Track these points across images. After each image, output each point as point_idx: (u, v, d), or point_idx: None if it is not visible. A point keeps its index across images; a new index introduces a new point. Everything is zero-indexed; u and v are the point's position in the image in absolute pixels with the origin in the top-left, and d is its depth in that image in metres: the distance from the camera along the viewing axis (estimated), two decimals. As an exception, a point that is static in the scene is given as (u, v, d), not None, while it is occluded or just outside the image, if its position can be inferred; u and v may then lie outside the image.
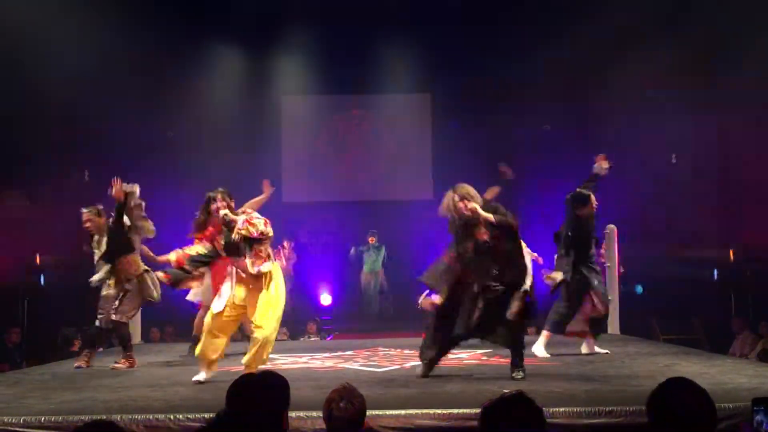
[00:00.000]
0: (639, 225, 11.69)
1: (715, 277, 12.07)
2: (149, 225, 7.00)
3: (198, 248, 5.87)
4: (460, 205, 5.55)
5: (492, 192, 6.22)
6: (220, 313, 5.68)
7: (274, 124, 14.71)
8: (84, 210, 6.88)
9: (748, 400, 2.77)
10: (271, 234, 5.74)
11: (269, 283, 5.74)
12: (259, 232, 5.67)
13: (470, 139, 13.40)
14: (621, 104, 12.03)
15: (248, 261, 5.67)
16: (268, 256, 5.78)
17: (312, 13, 13.49)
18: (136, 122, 12.39)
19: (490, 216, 5.48)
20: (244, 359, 5.64)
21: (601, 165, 6.96)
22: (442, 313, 5.64)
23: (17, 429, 4.26)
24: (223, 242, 5.77)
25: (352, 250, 13.83)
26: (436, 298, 5.64)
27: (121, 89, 11.77)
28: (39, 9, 10.54)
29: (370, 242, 13.66)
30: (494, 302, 5.49)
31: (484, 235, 5.54)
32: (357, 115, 15.19)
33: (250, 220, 5.71)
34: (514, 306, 5.47)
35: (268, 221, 5.75)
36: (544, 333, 6.92)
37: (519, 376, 5.48)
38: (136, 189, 6.92)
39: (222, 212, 5.71)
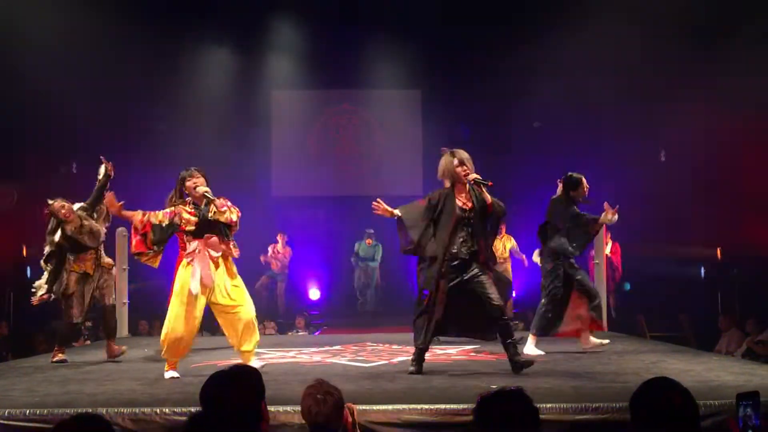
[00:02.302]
0: (626, 223, 11.72)
1: (702, 275, 12.14)
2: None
3: (161, 217, 5.69)
4: (459, 170, 5.56)
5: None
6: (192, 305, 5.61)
7: (264, 118, 14.69)
8: (51, 201, 6.80)
9: (734, 397, 2.78)
10: (238, 226, 5.76)
11: (234, 270, 5.80)
12: (236, 219, 5.69)
13: (460, 136, 13.41)
14: (611, 101, 12.06)
15: (231, 244, 5.75)
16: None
17: (302, 8, 13.48)
18: (125, 115, 12.34)
19: (488, 196, 5.54)
20: (245, 347, 5.69)
21: (608, 216, 6.79)
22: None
23: (2, 422, 4.23)
24: (195, 219, 5.65)
25: (353, 260, 13.83)
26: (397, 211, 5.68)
27: (110, 83, 11.71)
28: (27, 1, 10.48)
29: (368, 244, 13.67)
30: (462, 285, 5.54)
31: (467, 203, 5.58)
32: (347, 110, 15.18)
33: (230, 205, 5.71)
34: (494, 296, 5.50)
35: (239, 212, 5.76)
36: (531, 335, 6.87)
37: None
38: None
39: (201, 189, 5.62)
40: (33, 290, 6.77)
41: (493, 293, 5.52)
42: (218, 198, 5.70)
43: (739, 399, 2.73)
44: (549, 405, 4.21)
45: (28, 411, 4.30)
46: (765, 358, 8.27)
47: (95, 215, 6.91)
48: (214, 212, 5.64)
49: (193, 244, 5.66)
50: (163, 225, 5.69)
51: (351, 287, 14.11)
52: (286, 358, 6.96)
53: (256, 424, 2.74)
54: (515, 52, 12.40)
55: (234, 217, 5.68)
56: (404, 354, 7.00)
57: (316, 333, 11.69)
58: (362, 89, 14.83)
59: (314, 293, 14.16)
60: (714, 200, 10.89)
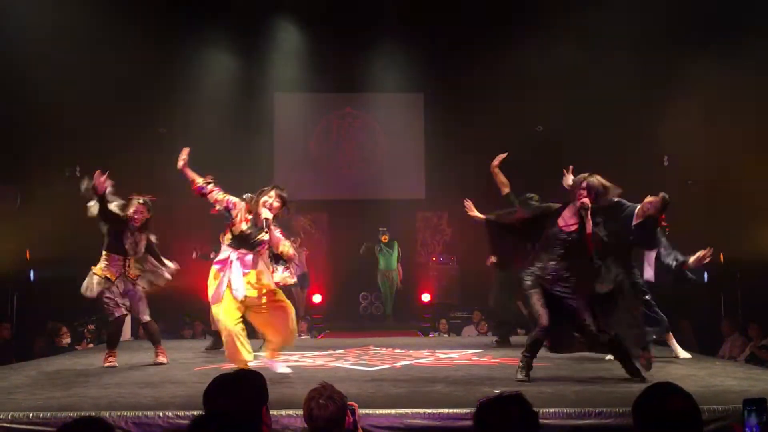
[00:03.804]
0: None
1: (705, 279, 12.10)
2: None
3: (221, 197, 5.69)
4: (579, 193, 5.51)
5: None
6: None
7: (266, 121, 14.69)
8: (139, 200, 6.78)
9: (738, 402, 2.78)
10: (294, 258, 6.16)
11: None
12: (288, 254, 5.85)
13: (462, 139, 13.42)
14: (614, 105, 12.04)
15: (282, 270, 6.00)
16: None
17: (305, 12, 13.50)
18: (128, 119, 12.34)
19: (590, 227, 5.44)
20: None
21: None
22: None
23: (5, 425, 4.24)
24: (245, 228, 5.65)
25: (363, 248, 13.75)
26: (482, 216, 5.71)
27: (113, 86, 11.72)
28: (30, 5, 10.50)
29: (383, 240, 13.60)
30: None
31: (570, 226, 5.53)
32: (350, 113, 15.19)
33: (283, 240, 5.83)
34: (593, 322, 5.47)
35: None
36: None
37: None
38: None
39: (267, 215, 5.65)
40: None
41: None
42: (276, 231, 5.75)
43: (745, 405, 2.73)
44: (551, 410, 4.21)
45: (31, 414, 4.30)
46: (768, 363, 8.25)
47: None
48: (261, 234, 5.66)
49: (226, 253, 5.66)
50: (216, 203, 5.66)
51: (353, 291, 14.10)
52: (288, 362, 6.95)
53: (258, 428, 2.74)
54: (517, 55, 12.40)
55: (290, 251, 5.84)
56: (407, 358, 7.01)
57: (319, 337, 11.69)
58: (365, 92, 14.84)
59: (316, 297, 14.15)
60: (717, 204, 10.86)
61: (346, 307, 14.05)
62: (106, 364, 6.56)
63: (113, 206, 6.61)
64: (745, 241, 10.57)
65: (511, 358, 6.81)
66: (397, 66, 14.00)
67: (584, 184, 5.51)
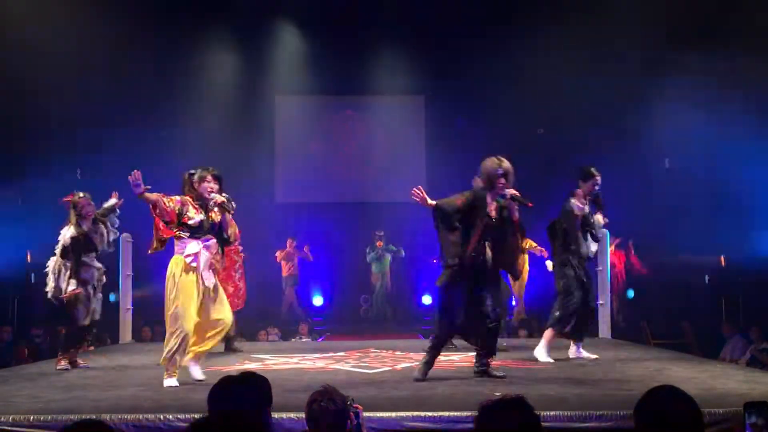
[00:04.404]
0: (631, 230, 11.72)
1: (706, 282, 12.11)
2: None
3: (172, 205, 5.58)
4: (500, 181, 5.54)
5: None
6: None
7: (267, 124, 14.70)
8: (81, 194, 6.82)
9: (739, 405, 2.78)
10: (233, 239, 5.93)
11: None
12: (232, 237, 5.81)
13: (463, 142, 13.42)
14: (614, 107, 12.06)
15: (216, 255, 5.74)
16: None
17: (306, 14, 13.51)
18: (129, 121, 12.35)
19: (516, 216, 5.50)
20: (207, 347, 5.71)
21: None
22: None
23: (6, 428, 4.23)
24: (200, 218, 5.63)
25: (369, 256, 13.84)
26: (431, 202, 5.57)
27: (114, 89, 11.74)
28: (33, 7, 10.52)
29: (378, 246, 13.68)
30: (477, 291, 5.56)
31: (493, 212, 5.57)
32: (351, 115, 15.19)
33: (232, 221, 5.78)
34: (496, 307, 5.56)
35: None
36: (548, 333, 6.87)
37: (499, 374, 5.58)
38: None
39: (219, 198, 5.63)
40: (52, 287, 6.70)
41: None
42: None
43: (746, 408, 2.73)
44: (552, 412, 4.21)
45: (32, 417, 4.30)
46: (770, 365, 8.25)
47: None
48: (216, 218, 5.68)
49: (192, 245, 5.59)
50: (175, 211, 5.58)
51: (355, 293, 14.11)
52: (289, 364, 6.96)
53: (261, 431, 2.74)
54: (517, 57, 12.41)
55: (232, 237, 5.82)
56: (408, 360, 7.01)
57: (320, 339, 11.69)
58: (365, 95, 14.85)
59: (317, 300, 14.16)
60: (719, 207, 10.87)
61: (346, 309, 14.05)
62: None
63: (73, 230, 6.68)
64: (746, 244, 10.58)
65: (513, 360, 6.82)
66: (398, 68, 14.01)
67: (500, 171, 5.52)
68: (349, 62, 13.87)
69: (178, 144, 12.94)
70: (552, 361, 6.66)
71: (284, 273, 13.48)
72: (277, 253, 13.46)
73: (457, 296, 5.56)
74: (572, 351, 6.91)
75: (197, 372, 5.65)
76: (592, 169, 6.80)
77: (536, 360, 6.71)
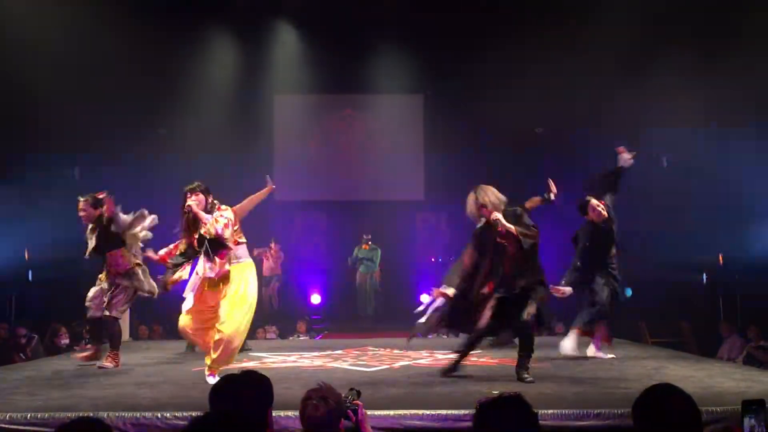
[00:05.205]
0: (629, 228, 11.70)
1: (704, 281, 12.11)
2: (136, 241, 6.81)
3: (181, 246, 5.77)
4: (483, 212, 5.59)
5: (532, 202, 6.29)
6: (191, 309, 5.64)
7: (266, 122, 14.69)
8: (80, 198, 6.70)
9: (736, 404, 2.78)
10: (226, 236, 5.56)
11: (238, 282, 5.62)
12: (214, 232, 5.55)
13: (462, 140, 13.42)
14: (614, 106, 12.05)
15: (206, 264, 5.57)
16: (229, 257, 5.66)
17: (305, 13, 13.50)
18: (127, 119, 12.35)
19: (512, 228, 5.52)
20: (207, 360, 5.51)
21: (624, 157, 6.94)
22: (454, 306, 5.64)
23: (3, 426, 4.23)
24: (197, 237, 5.65)
25: (349, 260, 13.84)
26: (449, 291, 5.62)
27: (112, 86, 11.72)
28: (33, 7, 10.51)
29: (365, 248, 13.71)
30: (507, 302, 5.54)
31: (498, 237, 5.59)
32: (349, 114, 15.19)
33: (216, 219, 5.59)
34: (527, 312, 5.51)
35: (229, 223, 5.59)
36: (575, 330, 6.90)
37: (528, 379, 5.45)
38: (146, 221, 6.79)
39: (191, 206, 5.58)
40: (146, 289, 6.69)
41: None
42: (217, 209, 5.67)
43: (744, 406, 2.73)
44: (551, 411, 4.21)
45: (29, 415, 4.30)
46: (766, 364, 8.25)
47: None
48: (205, 231, 5.60)
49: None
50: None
51: (352, 292, 14.11)
52: (287, 363, 6.96)
53: (262, 431, 2.74)
54: (517, 56, 12.40)
55: (213, 231, 5.55)
56: (406, 359, 7.01)
57: (318, 337, 11.68)
58: (364, 94, 14.85)
59: (315, 298, 14.16)
60: (717, 205, 10.87)
61: (344, 308, 14.05)
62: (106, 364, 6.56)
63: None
64: (744, 243, 10.59)
65: (510, 358, 6.81)
66: (397, 67, 14.02)
67: (478, 203, 5.58)
68: (348, 61, 13.87)
69: (177, 142, 12.95)
70: (577, 354, 6.72)
71: (265, 273, 13.40)
72: (264, 255, 13.40)
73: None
74: (591, 350, 6.92)
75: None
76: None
77: (561, 353, 6.75)
